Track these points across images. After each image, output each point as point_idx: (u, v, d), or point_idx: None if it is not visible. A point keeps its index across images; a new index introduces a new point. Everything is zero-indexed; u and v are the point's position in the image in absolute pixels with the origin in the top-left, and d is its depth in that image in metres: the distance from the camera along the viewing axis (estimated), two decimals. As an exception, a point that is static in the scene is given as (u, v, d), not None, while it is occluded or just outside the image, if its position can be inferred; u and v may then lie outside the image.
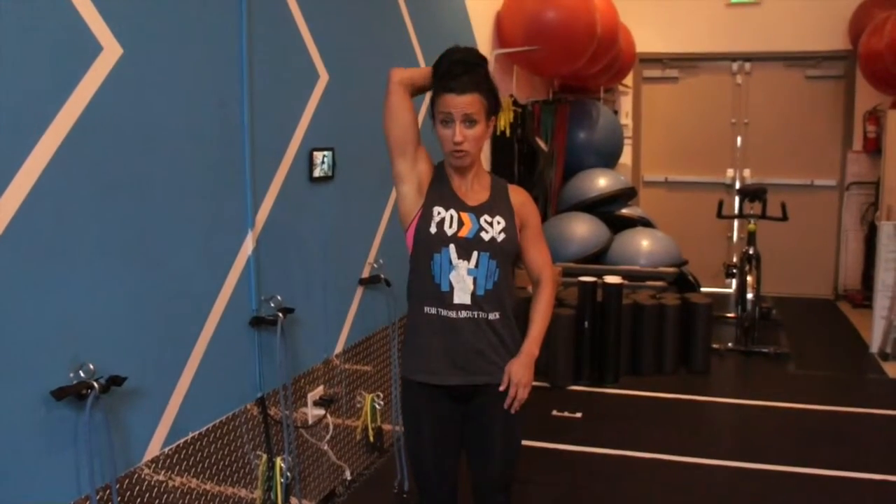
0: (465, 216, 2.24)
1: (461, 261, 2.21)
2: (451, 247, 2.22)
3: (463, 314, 2.23)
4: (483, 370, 2.27)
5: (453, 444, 2.35)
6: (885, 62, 6.41)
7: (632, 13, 7.44)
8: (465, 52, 2.24)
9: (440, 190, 2.27)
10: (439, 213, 2.23)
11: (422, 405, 2.31)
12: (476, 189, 2.31)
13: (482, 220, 2.25)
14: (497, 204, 2.31)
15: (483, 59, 2.26)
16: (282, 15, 2.97)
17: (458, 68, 2.18)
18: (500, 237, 2.26)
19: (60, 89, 1.97)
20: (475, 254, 2.22)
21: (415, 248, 2.27)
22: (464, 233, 2.22)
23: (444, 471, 2.34)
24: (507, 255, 2.28)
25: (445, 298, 2.23)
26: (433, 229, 2.22)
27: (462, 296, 2.22)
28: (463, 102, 2.16)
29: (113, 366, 2.11)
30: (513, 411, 2.28)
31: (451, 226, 2.22)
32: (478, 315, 2.24)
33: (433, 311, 2.25)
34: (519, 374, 2.27)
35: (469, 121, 2.18)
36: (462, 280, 2.22)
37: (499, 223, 2.27)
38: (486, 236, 2.24)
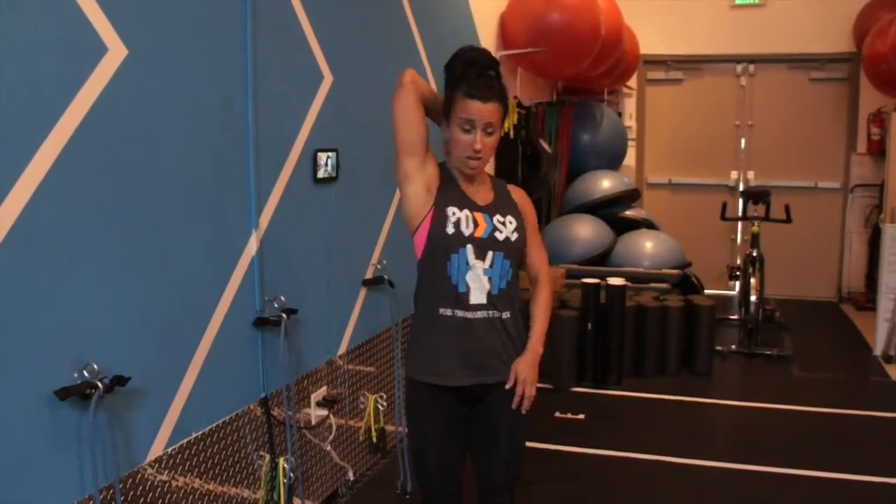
0: (479, 216, 2.24)
1: (478, 261, 2.21)
2: (469, 247, 2.21)
3: (479, 314, 2.23)
4: (495, 369, 2.28)
5: (458, 445, 2.34)
6: (889, 64, 6.41)
7: (636, 15, 7.44)
8: (479, 53, 2.25)
9: (450, 190, 2.26)
10: (454, 214, 2.22)
11: (428, 406, 2.30)
12: (481, 189, 2.31)
13: (495, 219, 2.26)
14: (503, 203, 2.33)
15: (497, 62, 2.27)
16: (286, 16, 2.98)
17: (473, 70, 2.19)
18: (514, 236, 2.27)
19: (65, 90, 1.98)
20: (490, 253, 2.23)
21: (428, 249, 2.24)
22: (479, 233, 2.22)
23: (448, 472, 2.33)
24: (519, 254, 2.31)
25: (462, 299, 2.22)
26: (450, 230, 2.21)
27: (478, 296, 2.22)
28: (487, 111, 2.17)
29: (117, 366, 2.12)
30: (524, 410, 2.29)
31: (467, 226, 2.22)
32: (492, 315, 2.25)
33: (448, 312, 2.23)
34: (526, 373, 2.28)
35: (489, 129, 2.20)
36: (478, 280, 2.22)
37: (511, 223, 2.28)
38: (500, 236, 2.25)
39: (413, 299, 2.36)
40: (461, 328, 2.23)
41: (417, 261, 2.29)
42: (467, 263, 2.21)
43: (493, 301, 2.24)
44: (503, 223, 2.26)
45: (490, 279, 2.23)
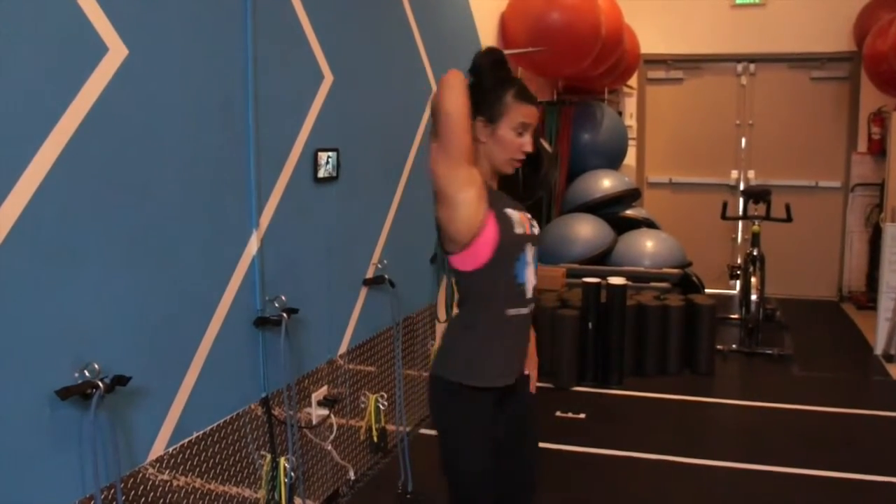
0: (522, 216, 2.26)
1: (532, 257, 2.25)
2: (528, 245, 2.23)
3: (527, 309, 2.26)
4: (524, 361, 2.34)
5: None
6: (889, 64, 6.40)
7: (636, 14, 7.43)
8: (500, 53, 2.26)
9: (490, 192, 2.22)
10: (512, 215, 2.21)
11: (478, 413, 2.21)
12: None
13: (528, 217, 2.29)
14: (513, 202, 2.33)
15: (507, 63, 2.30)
16: (286, 16, 2.98)
17: (505, 72, 2.22)
18: (539, 231, 2.33)
19: (65, 90, 1.98)
20: (534, 249, 2.26)
21: (499, 252, 2.16)
22: (529, 230, 2.25)
23: (490, 483, 2.24)
24: None
25: (524, 296, 2.24)
26: (518, 230, 2.20)
27: (530, 291, 2.26)
28: (536, 114, 2.22)
29: (118, 365, 2.12)
30: (534, 390, 2.37)
31: (524, 225, 2.23)
32: (532, 308, 2.28)
33: (514, 311, 2.22)
34: (533, 358, 2.36)
35: (533, 131, 2.24)
36: (532, 276, 2.25)
37: (533, 219, 2.31)
38: (536, 232, 2.29)
39: (466, 303, 2.25)
40: (519, 325, 2.25)
41: (475, 267, 2.17)
42: (527, 261, 2.23)
43: (535, 294, 2.29)
44: (532, 219, 2.30)
45: (534, 274, 2.27)
